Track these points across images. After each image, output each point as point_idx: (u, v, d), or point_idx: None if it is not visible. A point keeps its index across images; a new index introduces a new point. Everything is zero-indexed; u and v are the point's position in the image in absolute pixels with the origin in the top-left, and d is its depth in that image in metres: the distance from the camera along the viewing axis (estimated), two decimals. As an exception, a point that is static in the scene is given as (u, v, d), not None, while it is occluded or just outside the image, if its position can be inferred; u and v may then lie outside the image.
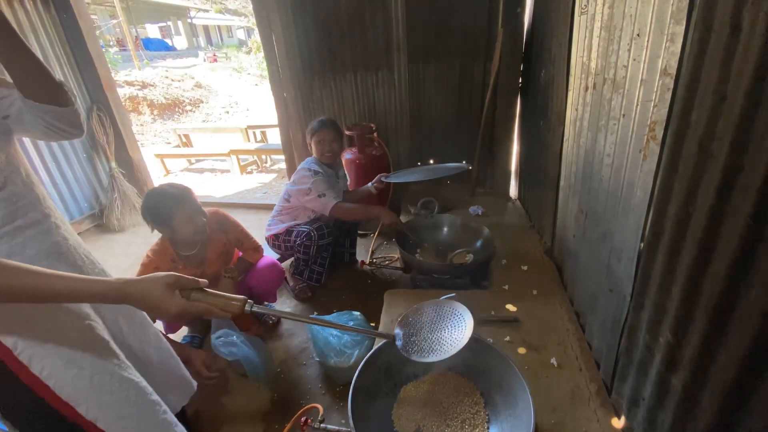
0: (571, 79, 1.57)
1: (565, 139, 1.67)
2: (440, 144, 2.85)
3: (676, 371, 0.81)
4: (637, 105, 1.01)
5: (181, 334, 1.82)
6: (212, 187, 4.18)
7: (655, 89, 0.92)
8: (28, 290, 0.61)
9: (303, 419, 1.30)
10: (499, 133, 2.66)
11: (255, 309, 0.83)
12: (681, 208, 0.78)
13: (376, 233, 2.64)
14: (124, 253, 2.74)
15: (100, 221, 3.14)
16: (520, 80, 2.48)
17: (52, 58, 2.77)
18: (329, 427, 1.24)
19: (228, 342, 1.53)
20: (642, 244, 0.97)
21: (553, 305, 1.56)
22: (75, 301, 0.65)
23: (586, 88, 1.39)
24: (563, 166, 1.71)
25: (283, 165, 4.63)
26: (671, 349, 0.82)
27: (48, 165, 2.79)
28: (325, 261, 2.13)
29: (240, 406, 1.52)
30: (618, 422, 1.07)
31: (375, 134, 2.73)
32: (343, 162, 2.67)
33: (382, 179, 2.17)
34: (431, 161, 2.90)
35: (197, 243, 1.58)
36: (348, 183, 2.69)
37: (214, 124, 7.74)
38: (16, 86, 0.79)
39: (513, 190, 2.83)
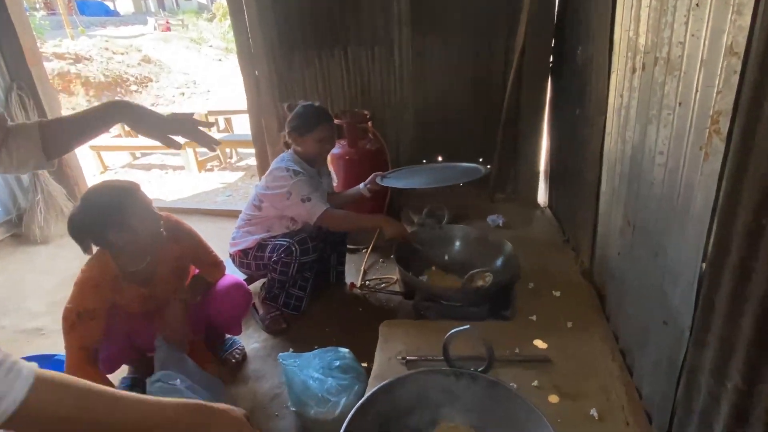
0: (615, 59, 1.60)
1: (606, 132, 1.70)
2: (451, 137, 2.88)
3: (747, 424, 0.81)
4: (697, 91, 1.02)
5: (120, 373, 1.80)
6: (162, 187, 4.17)
7: (719, 72, 0.93)
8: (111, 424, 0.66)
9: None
10: (525, 125, 2.69)
11: None
12: (752, 219, 0.79)
13: (370, 248, 2.64)
14: (47, 271, 2.71)
15: (18, 230, 3.11)
16: (551, 60, 2.52)
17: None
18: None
19: (167, 388, 1.50)
20: (704, 265, 0.98)
21: (592, 341, 1.56)
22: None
23: (633, 70, 1.42)
24: (605, 166, 1.73)
25: (252, 161, 4.64)
26: (741, 396, 0.82)
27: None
28: (307, 284, 2.13)
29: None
30: (675, 491, 1.07)
31: (370, 124, 2.75)
32: (330, 158, 2.69)
33: (378, 180, 2.18)
34: (440, 158, 2.92)
35: (145, 257, 1.57)
36: (335, 183, 2.70)
37: (166, 108, 7.76)
38: (45, 149, 1.04)
39: (542, 196, 2.85)
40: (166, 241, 1.62)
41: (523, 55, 2.48)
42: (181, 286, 1.71)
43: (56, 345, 1.94)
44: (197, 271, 1.82)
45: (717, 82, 0.94)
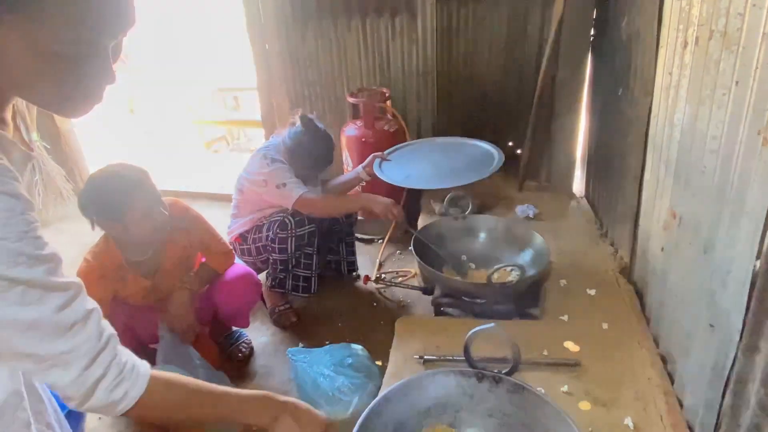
0: (664, 32, 1.56)
1: (652, 114, 1.66)
2: (477, 119, 2.85)
3: (801, 440, 0.80)
4: (757, 68, 0.99)
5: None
6: (163, 169, 4.23)
7: (783, 47, 0.91)
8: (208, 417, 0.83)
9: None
10: (561, 105, 2.65)
11: None
12: (815, 212, 0.78)
13: (386, 238, 2.65)
14: (47, 256, 2.81)
15: (16, 212, 3.22)
16: (592, 33, 2.47)
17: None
18: None
19: None
20: (758, 263, 0.96)
21: (629, 345, 1.55)
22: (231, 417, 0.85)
23: (685, 44, 1.38)
24: (649, 152, 1.70)
25: (261, 142, 4.68)
26: (796, 409, 0.81)
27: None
28: (312, 261, 2.14)
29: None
30: None
31: (388, 103, 2.74)
32: (344, 140, 2.70)
33: (374, 166, 2.15)
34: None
35: (151, 246, 1.62)
36: (349, 168, 2.71)
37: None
38: None
39: (578, 185, 2.82)
40: (173, 229, 1.66)
41: (560, 27, 2.43)
42: (188, 275, 1.75)
43: (56, 334, 2.01)
44: (204, 259, 1.86)
45: (780, 58, 0.91)
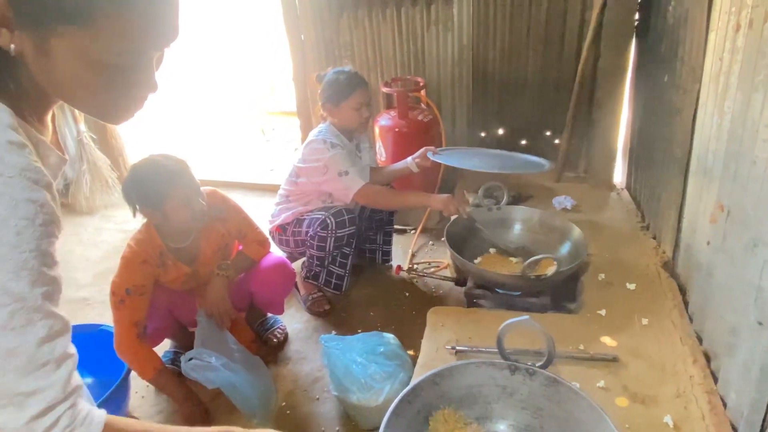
0: (714, 14, 1.49)
1: (701, 103, 1.60)
2: (515, 108, 2.81)
3: None
4: (817, 52, 0.94)
5: (162, 347, 1.94)
6: (202, 159, 4.35)
7: None
8: None
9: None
10: (603, 93, 2.57)
11: None
12: None
13: (419, 229, 2.66)
14: (94, 243, 2.95)
15: (65, 199, 3.37)
16: (637, 17, 2.38)
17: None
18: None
19: (202, 365, 1.61)
20: (813, 258, 0.92)
21: (671, 341, 1.52)
22: None
23: (738, 28, 1.32)
24: (696, 142, 1.64)
25: (297, 133, 4.74)
26: None
27: None
28: (347, 260, 2.17)
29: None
30: None
31: (423, 92, 2.73)
32: (378, 130, 2.70)
33: (429, 155, 2.17)
34: (500, 131, 2.86)
35: (190, 233, 1.67)
36: (382, 158, 2.72)
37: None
38: None
39: (619, 176, 2.74)
40: (211, 218, 1.72)
41: (603, 10, 2.36)
42: (225, 263, 1.80)
43: (102, 315, 2.12)
44: (241, 247, 1.91)
45: (843, 40, 0.86)
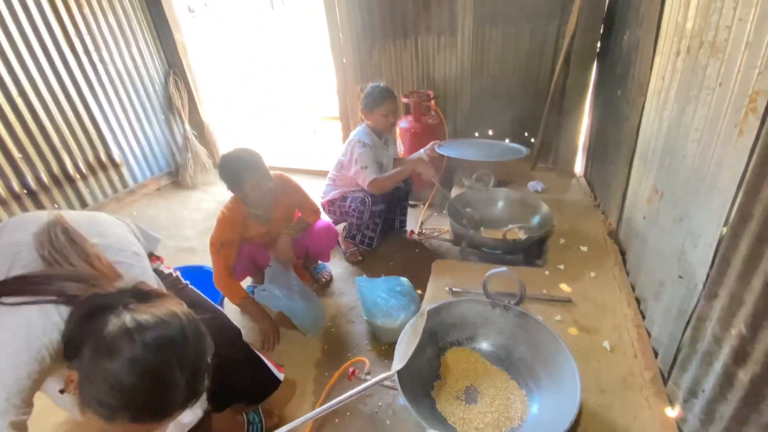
0: (661, 43, 1.41)
1: (645, 112, 1.54)
2: (502, 114, 2.72)
3: (744, 365, 0.76)
4: (738, 72, 0.89)
5: (245, 283, 2.01)
6: (272, 149, 4.39)
7: (762, 54, 0.80)
8: None
9: (351, 370, 1.42)
10: (569, 103, 2.48)
11: None
12: (778, 190, 0.71)
13: (427, 204, 2.65)
14: (197, 209, 3.04)
15: (176, 178, 3.47)
16: (599, 44, 2.26)
17: (135, 23, 3.01)
18: (374, 379, 1.34)
19: (269, 295, 1.68)
20: (724, 229, 0.89)
21: (611, 289, 1.50)
22: None
23: (678, 53, 1.25)
24: (640, 141, 1.58)
25: (340, 133, 4.71)
26: (744, 342, 0.77)
27: (133, 126, 3.12)
28: (377, 227, 2.20)
29: (294, 352, 1.67)
30: (672, 412, 1.04)
31: (432, 102, 2.67)
32: (398, 131, 2.67)
33: (435, 147, 2.15)
34: (490, 132, 2.80)
35: (264, 204, 1.72)
36: (401, 151, 2.70)
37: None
38: None
39: (579, 167, 2.66)
40: (280, 193, 1.75)
41: (573, 40, 2.24)
42: (289, 225, 1.84)
43: (203, 260, 2.19)
44: (300, 214, 1.95)
45: (759, 62, 0.81)
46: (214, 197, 3.19)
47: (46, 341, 0.63)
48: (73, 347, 0.64)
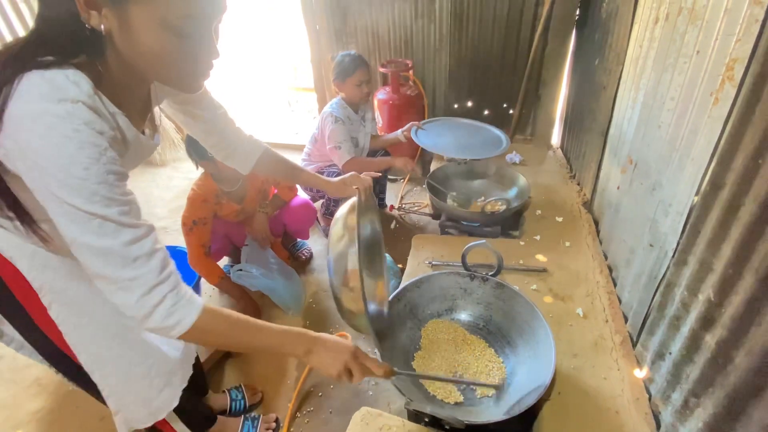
0: (639, 10, 1.38)
1: (622, 81, 1.53)
2: (481, 85, 2.68)
3: (711, 329, 0.79)
4: (716, 39, 0.88)
5: (222, 262, 1.96)
6: (246, 123, 4.21)
7: (741, 20, 0.79)
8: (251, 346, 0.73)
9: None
10: (547, 73, 2.45)
11: (400, 372, 0.86)
12: (750, 159, 0.71)
13: (406, 179, 2.62)
14: (167, 186, 2.90)
15: (143, 155, 3.29)
16: (578, 12, 2.22)
17: None
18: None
19: (245, 274, 1.64)
20: (696, 198, 0.91)
21: (585, 258, 1.54)
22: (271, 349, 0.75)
23: (656, 20, 1.23)
24: (616, 112, 1.58)
25: (316, 105, 4.55)
26: (710, 307, 0.80)
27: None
28: None
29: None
30: (640, 373, 1.09)
31: (411, 72, 2.59)
32: (376, 103, 2.59)
33: (411, 133, 2.07)
34: (469, 103, 2.75)
35: (238, 180, 1.64)
36: (380, 126, 2.62)
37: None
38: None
39: (556, 138, 2.68)
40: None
41: (551, 7, 2.19)
42: (264, 203, 1.78)
43: (176, 240, 2.10)
44: (276, 191, 1.88)
45: (737, 30, 0.80)
46: (184, 174, 3.05)
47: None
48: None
